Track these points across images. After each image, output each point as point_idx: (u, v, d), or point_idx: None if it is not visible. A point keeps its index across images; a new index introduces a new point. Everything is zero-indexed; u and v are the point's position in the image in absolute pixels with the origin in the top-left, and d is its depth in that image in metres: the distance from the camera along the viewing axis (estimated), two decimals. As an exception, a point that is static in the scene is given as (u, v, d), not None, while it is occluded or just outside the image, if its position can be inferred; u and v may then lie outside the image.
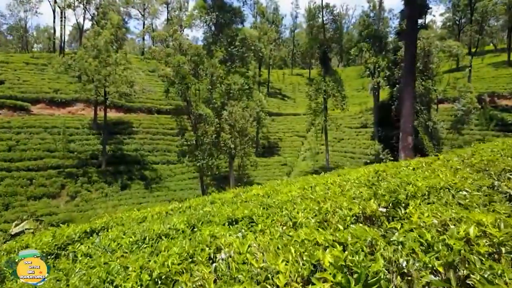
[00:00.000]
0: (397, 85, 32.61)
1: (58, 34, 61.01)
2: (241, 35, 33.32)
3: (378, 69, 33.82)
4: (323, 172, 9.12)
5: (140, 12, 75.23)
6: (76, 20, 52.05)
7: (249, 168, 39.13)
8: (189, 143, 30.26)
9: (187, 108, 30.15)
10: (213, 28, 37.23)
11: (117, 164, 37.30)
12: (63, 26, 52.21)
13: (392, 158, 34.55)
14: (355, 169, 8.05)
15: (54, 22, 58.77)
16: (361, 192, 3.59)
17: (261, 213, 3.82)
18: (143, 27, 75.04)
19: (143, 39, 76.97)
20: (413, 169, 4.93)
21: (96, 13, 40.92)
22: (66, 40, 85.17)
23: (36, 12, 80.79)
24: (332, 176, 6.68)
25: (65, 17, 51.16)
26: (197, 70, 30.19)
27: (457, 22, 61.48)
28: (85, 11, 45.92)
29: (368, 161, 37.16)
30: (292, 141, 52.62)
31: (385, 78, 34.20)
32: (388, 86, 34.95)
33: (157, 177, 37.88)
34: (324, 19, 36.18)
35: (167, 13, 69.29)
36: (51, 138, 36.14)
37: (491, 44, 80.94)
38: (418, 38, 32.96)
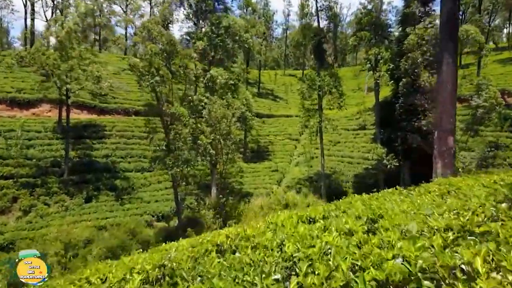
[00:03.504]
0: (403, 79, 28.42)
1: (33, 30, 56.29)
2: (224, 23, 28.96)
3: (381, 61, 29.63)
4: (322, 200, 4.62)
5: (122, 9, 70.64)
6: (44, 12, 47.39)
7: (234, 175, 34.70)
8: (159, 148, 25.70)
9: (158, 107, 25.62)
10: (194, 20, 33.04)
11: (83, 172, 32.56)
12: (31, 20, 47.45)
13: (397, 164, 30.28)
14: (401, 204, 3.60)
15: (25, 15, 54.09)
16: None
17: None
18: (125, 26, 70.37)
19: (126, 36, 72.03)
20: None
21: (60, 0, 36.25)
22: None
23: (12, 9, 75.53)
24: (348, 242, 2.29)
25: (33, 10, 46.46)
26: (170, 61, 25.68)
27: (460, 16, 57.71)
28: (53, 1, 41.19)
29: (370, 166, 32.91)
30: (284, 144, 48.23)
31: (388, 72, 29.98)
32: (392, 82, 30.75)
33: (129, 187, 33.19)
34: (319, 5, 31.90)
35: (150, 8, 64.87)
36: (5, 143, 31.28)
37: (492, 43, 77.60)
38: (425, 27, 28.90)
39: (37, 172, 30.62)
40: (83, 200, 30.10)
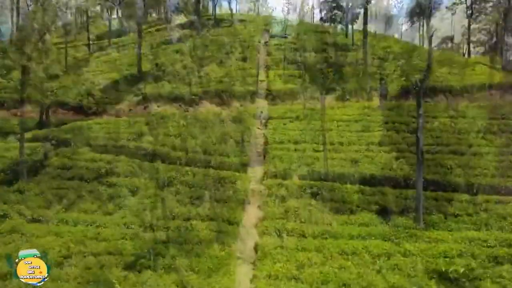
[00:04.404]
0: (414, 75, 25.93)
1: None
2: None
3: (390, 56, 27.16)
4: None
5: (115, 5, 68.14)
6: (28, 7, 44.83)
7: (229, 180, 32.04)
8: (146, 150, 23.22)
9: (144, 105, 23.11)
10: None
11: (64, 178, 29.89)
12: (17, 14, 45.00)
13: (408, 169, 27.62)
14: None
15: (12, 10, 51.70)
16: None
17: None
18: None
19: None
20: None
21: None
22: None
23: (1, 6, 72.83)
24: None
25: (18, 4, 44.02)
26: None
27: (467, 12, 54.98)
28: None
29: (376, 171, 30.22)
30: (283, 146, 45.42)
31: (398, 67, 27.48)
32: (403, 78, 28.25)
33: (116, 194, 30.42)
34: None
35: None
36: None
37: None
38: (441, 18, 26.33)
39: (10, 178, 27.98)
40: (63, 209, 27.37)
